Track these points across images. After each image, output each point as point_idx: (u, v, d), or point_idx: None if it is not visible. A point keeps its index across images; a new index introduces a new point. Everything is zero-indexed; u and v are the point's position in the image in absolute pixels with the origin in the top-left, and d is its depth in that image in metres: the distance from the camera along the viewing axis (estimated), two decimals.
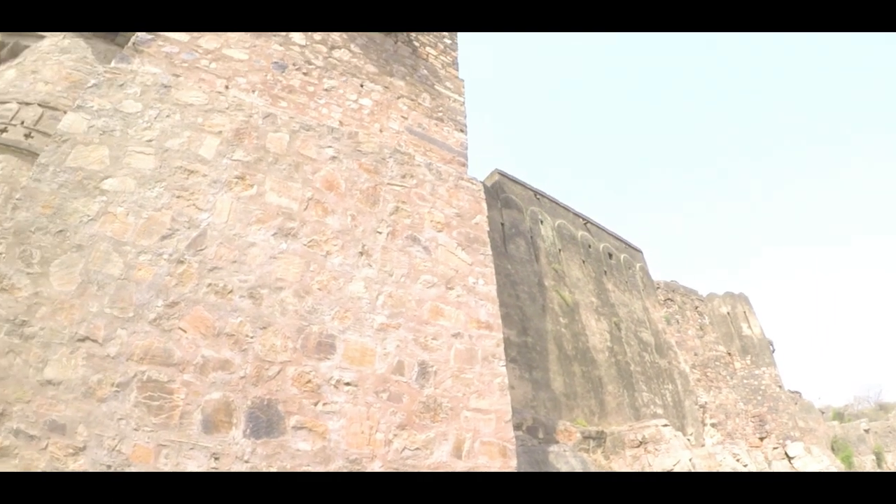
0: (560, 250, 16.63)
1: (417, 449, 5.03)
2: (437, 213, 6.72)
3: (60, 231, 4.63)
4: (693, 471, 11.20)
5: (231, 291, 4.96)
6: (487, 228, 7.15)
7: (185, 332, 4.57)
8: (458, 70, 9.66)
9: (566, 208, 18.20)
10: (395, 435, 4.99)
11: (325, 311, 5.31)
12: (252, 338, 4.81)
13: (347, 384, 5.02)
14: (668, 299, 22.43)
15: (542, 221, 16.45)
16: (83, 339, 4.20)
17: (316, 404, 4.77)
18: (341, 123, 6.96)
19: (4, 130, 8.13)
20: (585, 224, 18.85)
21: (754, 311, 23.97)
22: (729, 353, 22.38)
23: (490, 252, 6.95)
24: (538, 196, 17.00)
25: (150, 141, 5.48)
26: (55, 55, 9.38)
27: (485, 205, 7.39)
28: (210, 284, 4.90)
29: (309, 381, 4.85)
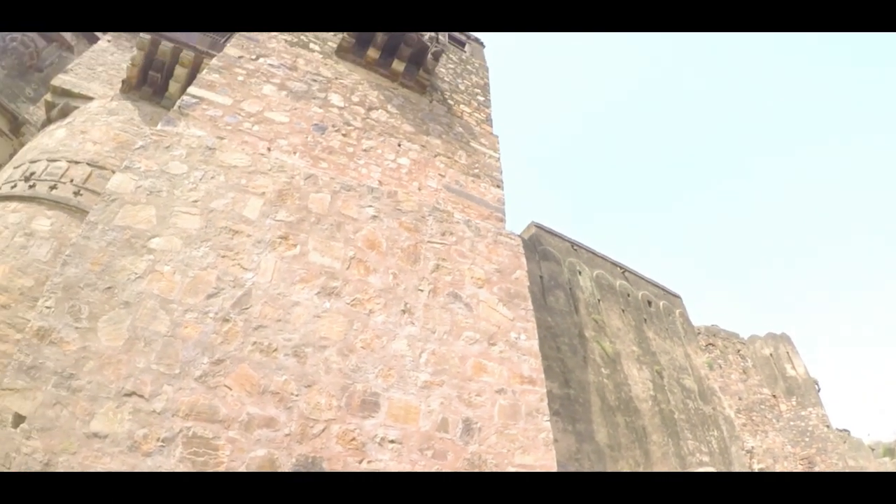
0: (599, 300, 16.44)
1: None
2: (478, 269, 6.74)
3: (109, 288, 4.76)
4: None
5: (276, 350, 5.00)
6: (528, 283, 7.13)
7: (230, 389, 4.61)
8: (492, 126, 9.82)
9: (603, 258, 18.07)
10: None
11: (369, 370, 5.30)
12: (297, 396, 4.83)
13: (392, 442, 4.97)
14: (710, 344, 21.90)
15: (580, 272, 16.35)
16: (130, 394, 4.27)
17: (360, 462, 4.73)
18: (381, 183, 7.09)
19: (54, 187, 8.49)
20: (623, 273, 18.66)
21: (797, 350, 23.24)
22: (774, 396, 21.64)
23: (531, 307, 6.92)
24: (575, 247, 16.94)
25: (196, 201, 5.65)
26: (103, 116, 9.82)
27: (524, 259, 7.38)
28: (255, 343, 4.96)
29: (353, 439, 4.82)
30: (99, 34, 17.04)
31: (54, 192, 8.45)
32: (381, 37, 9.43)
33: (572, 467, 10.99)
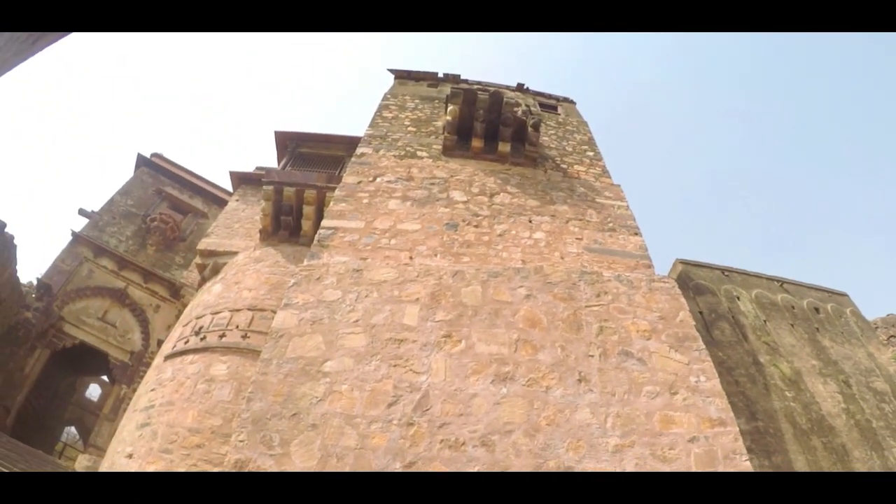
0: (765, 321, 15.41)
1: None
2: (641, 321, 6.54)
3: (294, 414, 5.10)
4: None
5: (463, 444, 5.04)
6: (693, 323, 6.84)
7: None
8: (610, 177, 9.76)
9: (758, 276, 17.06)
10: None
11: (558, 445, 5.19)
12: None
13: None
14: (892, 336, 19.79)
15: (738, 297, 15.50)
16: None
17: None
18: (524, 262, 7.16)
19: (223, 335, 9.29)
20: (782, 285, 17.46)
21: None
22: None
23: (703, 346, 6.59)
24: (726, 273, 16.15)
25: (357, 321, 5.96)
26: (251, 265, 10.71)
27: (683, 300, 7.09)
28: (442, 440, 5.03)
29: None
30: (225, 196, 18.86)
31: (224, 339, 9.24)
32: (479, 126, 9.77)
33: None
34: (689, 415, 5.75)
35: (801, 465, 11.76)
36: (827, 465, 12.22)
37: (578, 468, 5.05)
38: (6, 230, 13.38)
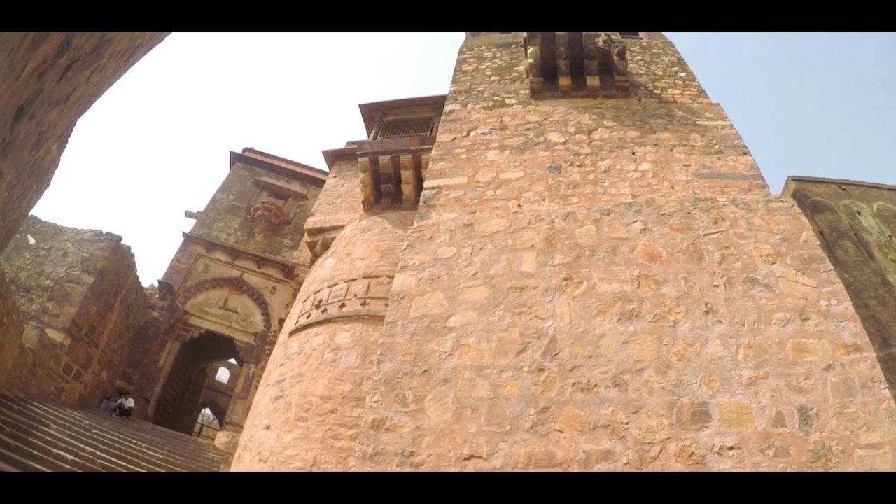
0: (890, 236, 14.38)
1: None
2: (763, 245, 6.24)
3: (425, 371, 5.31)
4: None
5: (595, 385, 5.06)
6: (818, 242, 6.46)
7: (562, 433, 4.76)
8: (708, 97, 9.27)
9: (878, 186, 15.82)
10: None
11: (691, 380, 5.10)
12: (627, 424, 4.81)
13: (731, 448, 4.68)
14: None
15: (858, 213, 14.51)
16: (468, 458, 4.64)
17: None
18: (633, 196, 7.00)
19: (343, 305, 9.71)
20: None
21: None
22: None
23: (831, 267, 6.22)
24: (843, 186, 15.11)
25: (476, 274, 6.06)
26: (359, 235, 11.03)
27: (805, 219, 6.71)
28: (574, 384, 5.07)
29: (692, 454, 4.64)
30: (320, 176, 19.46)
31: (344, 309, 9.63)
32: (563, 64, 9.50)
33: None
34: (823, 341, 5.48)
35: None
36: None
37: (713, 403, 4.97)
38: (122, 242, 14.43)
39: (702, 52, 70.81)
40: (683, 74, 10.14)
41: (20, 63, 2.31)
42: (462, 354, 5.36)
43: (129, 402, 14.71)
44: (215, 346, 20.05)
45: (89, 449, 8.58)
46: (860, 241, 13.77)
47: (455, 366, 5.27)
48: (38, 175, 3.42)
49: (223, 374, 28.20)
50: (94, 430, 9.93)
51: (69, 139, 3.69)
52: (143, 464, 9.35)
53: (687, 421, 4.86)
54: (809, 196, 14.32)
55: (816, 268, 6.12)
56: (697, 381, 5.12)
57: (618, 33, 12.51)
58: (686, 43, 55.66)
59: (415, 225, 6.91)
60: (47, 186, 3.76)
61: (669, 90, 9.52)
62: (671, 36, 13.04)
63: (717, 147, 7.86)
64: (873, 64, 70.79)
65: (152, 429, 14.08)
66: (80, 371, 13.15)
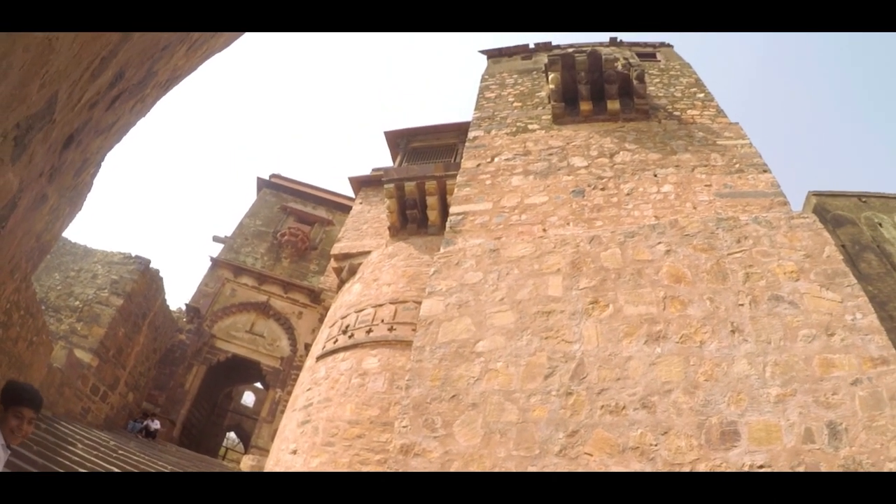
0: None
1: None
2: (786, 262, 6.32)
3: (453, 396, 5.38)
4: None
5: (624, 407, 5.13)
6: (841, 257, 6.51)
7: (591, 455, 4.81)
8: (727, 116, 9.39)
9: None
10: None
11: (719, 400, 5.16)
12: (656, 445, 4.86)
13: (760, 467, 4.73)
14: None
15: (880, 224, 14.42)
16: None
17: None
18: (656, 217, 7.11)
19: (370, 331, 9.84)
20: None
21: None
22: None
23: (855, 281, 6.25)
24: (863, 199, 15.03)
25: (502, 299, 6.17)
26: (386, 261, 11.20)
27: (827, 234, 6.77)
28: (602, 406, 5.14)
29: None
30: (346, 202, 19.75)
31: (371, 334, 9.76)
32: (583, 89, 9.70)
33: None
34: (849, 356, 5.51)
35: None
36: None
37: (741, 422, 5.01)
38: (151, 265, 14.73)
39: (716, 67, 70.61)
40: (702, 95, 10.28)
41: (78, 94, 2.41)
42: (490, 379, 5.45)
43: (155, 424, 14.87)
44: (241, 370, 20.22)
45: (115, 470, 8.74)
46: (882, 252, 13.70)
47: (483, 390, 5.36)
48: (73, 199, 3.48)
49: (249, 398, 28.36)
50: (120, 451, 10.07)
51: (102, 163, 3.72)
52: None
53: (716, 441, 4.91)
54: (830, 210, 14.28)
55: (840, 282, 6.17)
56: (725, 400, 5.18)
57: (636, 56, 12.71)
58: (700, 57, 55.58)
59: (441, 251, 7.05)
60: (80, 209, 3.78)
61: (688, 111, 9.66)
62: (686, 53, 13.17)
63: (737, 166, 7.97)
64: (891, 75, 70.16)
65: (178, 451, 14.21)
66: (107, 392, 13.32)
